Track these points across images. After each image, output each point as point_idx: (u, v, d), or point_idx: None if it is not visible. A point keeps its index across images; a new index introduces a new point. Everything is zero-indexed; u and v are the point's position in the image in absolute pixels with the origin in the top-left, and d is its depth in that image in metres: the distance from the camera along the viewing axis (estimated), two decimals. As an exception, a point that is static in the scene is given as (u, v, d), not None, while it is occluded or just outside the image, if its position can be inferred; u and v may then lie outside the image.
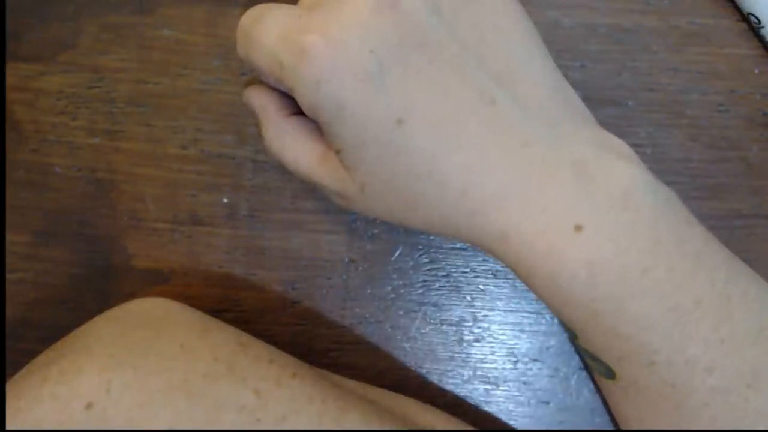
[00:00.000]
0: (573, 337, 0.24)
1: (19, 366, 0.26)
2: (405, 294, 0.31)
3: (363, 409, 0.26)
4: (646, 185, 0.22)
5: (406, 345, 0.31)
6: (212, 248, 0.31)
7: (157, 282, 0.31)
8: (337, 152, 0.23)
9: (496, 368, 0.31)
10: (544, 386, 0.31)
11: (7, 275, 0.31)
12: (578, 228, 0.21)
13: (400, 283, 0.31)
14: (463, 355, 0.31)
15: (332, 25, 0.21)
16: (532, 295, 0.31)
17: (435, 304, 0.31)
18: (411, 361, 0.31)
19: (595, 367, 0.25)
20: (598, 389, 0.31)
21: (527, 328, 0.31)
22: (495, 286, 0.31)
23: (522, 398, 0.31)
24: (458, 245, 0.31)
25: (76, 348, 0.24)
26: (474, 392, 0.31)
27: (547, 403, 0.31)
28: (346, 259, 0.31)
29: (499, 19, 0.23)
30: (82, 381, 0.23)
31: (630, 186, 0.22)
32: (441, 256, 0.31)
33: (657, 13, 0.31)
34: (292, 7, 0.23)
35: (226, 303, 0.31)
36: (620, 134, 0.24)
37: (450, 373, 0.31)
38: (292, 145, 0.25)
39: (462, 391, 0.31)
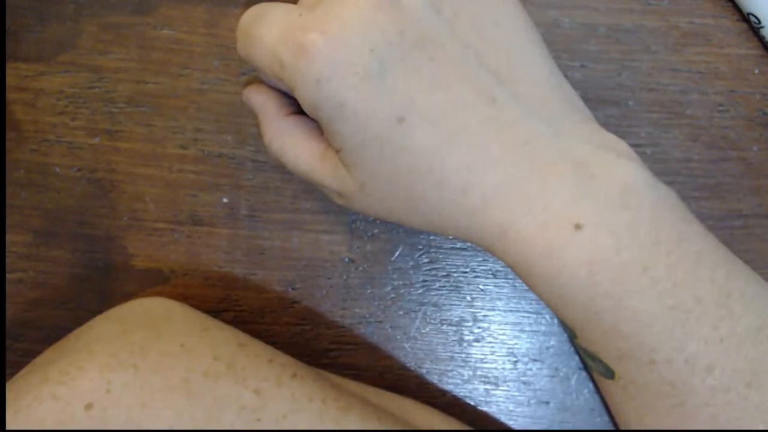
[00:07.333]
0: (572, 336, 0.24)
1: (19, 366, 0.26)
2: (405, 294, 0.31)
3: (363, 409, 0.26)
4: (646, 184, 0.22)
5: (406, 345, 0.31)
6: (212, 248, 0.31)
7: (157, 282, 0.31)
8: (338, 151, 0.23)
9: (496, 368, 0.31)
10: (544, 386, 0.31)
11: (7, 275, 0.31)
12: (578, 226, 0.21)
13: (400, 283, 0.31)
14: (463, 355, 0.31)
15: (333, 24, 0.21)
16: (532, 295, 0.31)
17: (435, 304, 0.31)
18: (411, 361, 0.31)
19: (594, 366, 0.25)
20: (598, 389, 0.31)
21: (527, 328, 0.31)
22: (495, 286, 0.31)
23: (522, 398, 0.31)
24: (458, 245, 0.31)
25: (77, 347, 0.24)
26: (474, 392, 0.31)
27: (547, 403, 0.31)
28: (346, 259, 0.31)
29: (499, 17, 0.23)
30: (83, 381, 0.23)
31: (630, 184, 0.22)
32: (441, 256, 0.31)
33: (657, 13, 0.31)
34: (293, 5, 0.23)
35: (226, 303, 0.31)
36: (620, 134, 0.24)
37: (450, 373, 0.31)
38: (291, 144, 0.25)
39: (462, 391, 0.31)
